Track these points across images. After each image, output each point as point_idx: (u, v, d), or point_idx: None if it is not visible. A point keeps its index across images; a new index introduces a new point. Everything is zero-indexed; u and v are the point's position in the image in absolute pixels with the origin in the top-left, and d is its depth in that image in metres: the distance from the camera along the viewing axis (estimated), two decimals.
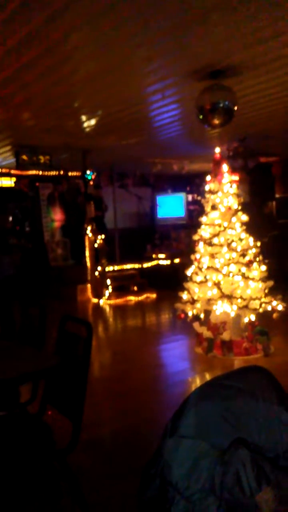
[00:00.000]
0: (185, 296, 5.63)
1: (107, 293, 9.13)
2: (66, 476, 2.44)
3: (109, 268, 9.41)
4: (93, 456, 3.24)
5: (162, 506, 1.30)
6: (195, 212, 11.31)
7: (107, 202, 10.82)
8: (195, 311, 5.50)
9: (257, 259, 5.47)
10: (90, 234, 9.30)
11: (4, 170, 10.20)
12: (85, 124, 6.74)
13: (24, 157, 8.07)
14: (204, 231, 5.64)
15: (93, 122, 6.61)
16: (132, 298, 9.27)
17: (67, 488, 2.46)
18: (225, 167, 5.65)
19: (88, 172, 9.36)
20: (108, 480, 2.94)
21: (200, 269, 5.52)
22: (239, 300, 5.17)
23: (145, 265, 10.14)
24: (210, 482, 1.24)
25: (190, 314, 5.55)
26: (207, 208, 5.69)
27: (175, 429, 1.40)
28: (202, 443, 1.30)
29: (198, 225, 5.83)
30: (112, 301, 9.08)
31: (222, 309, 5.23)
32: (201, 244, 5.63)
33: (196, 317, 5.59)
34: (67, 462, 2.42)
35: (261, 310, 5.25)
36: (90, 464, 3.11)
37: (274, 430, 1.33)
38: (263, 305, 5.25)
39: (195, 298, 5.46)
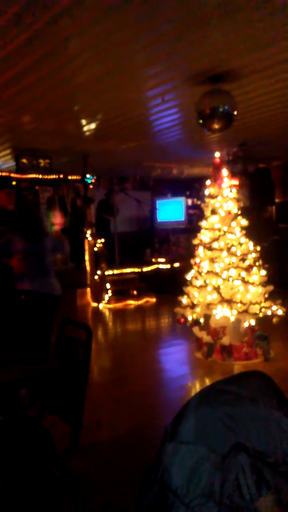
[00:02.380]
0: (184, 300, 5.62)
1: (106, 297, 9.11)
2: (65, 481, 2.42)
3: (108, 272, 9.40)
4: (93, 461, 3.22)
5: None
6: (195, 216, 11.32)
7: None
8: (194, 316, 5.49)
9: (257, 263, 5.46)
10: (89, 238, 9.30)
11: (4, 174, 10.21)
12: (85, 128, 6.75)
13: (24, 160, 8.08)
14: (204, 236, 5.64)
15: (93, 126, 6.62)
16: (132, 302, 9.26)
17: (66, 493, 2.45)
18: (224, 171, 5.66)
19: (88, 175, 9.37)
20: (107, 485, 2.92)
21: (200, 273, 5.51)
22: (239, 305, 5.16)
23: (145, 269, 10.13)
24: (209, 488, 1.22)
25: (189, 318, 5.54)
26: (207, 212, 5.69)
27: (174, 434, 1.37)
28: (201, 448, 1.28)
29: (197, 229, 5.83)
30: (111, 305, 9.06)
31: (222, 313, 5.22)
32: (200, 248, 5.63)
33: (195, 322, 5.57)
34: (66, 467, 2.40)
35: (261, 314, 5.24)
36: (89, 469, 3.09)
37: (274, 435, 1.31)
38: (263, 309, 5.24)
39: (195, 302, 5.45)
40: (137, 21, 3.42)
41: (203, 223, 5.71)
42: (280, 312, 5.28)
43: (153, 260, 10.61)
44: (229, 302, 5.19)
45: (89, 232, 9.31)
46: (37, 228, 4.62)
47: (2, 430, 2.56)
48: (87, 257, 9.44)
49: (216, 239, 5.45)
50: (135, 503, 1.52)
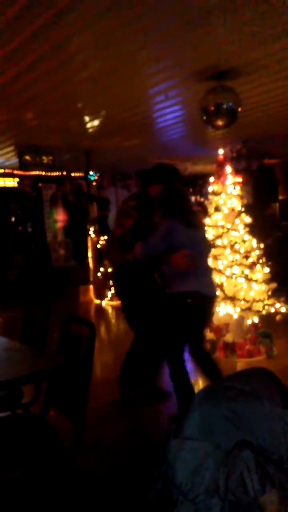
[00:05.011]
0: None
1: (109, 294, 9.11)
2: (69, 477, 2.43)
3: (111, 269, 9.40)
4: (96, 457, 3.23)
5: (165, 508, 1.28)
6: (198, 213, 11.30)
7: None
8: None
9: (260, 261, 5.46)
10: (93, 235, 9.30)
11: (7, 171, 10.22)
12: (88, 125, 6.74)
13: (27, 157, 8.07)
14: (207, 233, 5.64)
15: (96, 122, 6.61)
16: None
17: (70, 489, 2.46)
18: (228, 168, 5.65)
19: (91, 172, 9.36)
20: (111, 481, 2.93)
21: None
22: (242, 302, 5.15)
23: None
24: (214, 484, 1.23)
25: None
26: (210, 209, 5.68)
27: (179, 430, 1.38)
28: (206, 444, 1.29)
29: None
30: (114, 302, 9.05)
31: (225, 311, 5.22)
32: None
33: None
34: (71, 463, 2.41)
35: (264, 312, 5.24)
36: (93, 465, 3.10)
37: (278, 432, 1.31)
38: (266, 307, 5.23)
39: None
40: (141, 18, 3.41)
41: (206, 220, 5.71)
42: (283, 309, 5.28)
43: None
44: (232, 299, 5.18)
45: (92, 229, 9.30)
46: (191, 210, 3.64)
47: (6, 426, 2.57)
48: (90, 254, 9.44)
49: (220, 236, 5.45)
50: (138, 499, 1.52)
